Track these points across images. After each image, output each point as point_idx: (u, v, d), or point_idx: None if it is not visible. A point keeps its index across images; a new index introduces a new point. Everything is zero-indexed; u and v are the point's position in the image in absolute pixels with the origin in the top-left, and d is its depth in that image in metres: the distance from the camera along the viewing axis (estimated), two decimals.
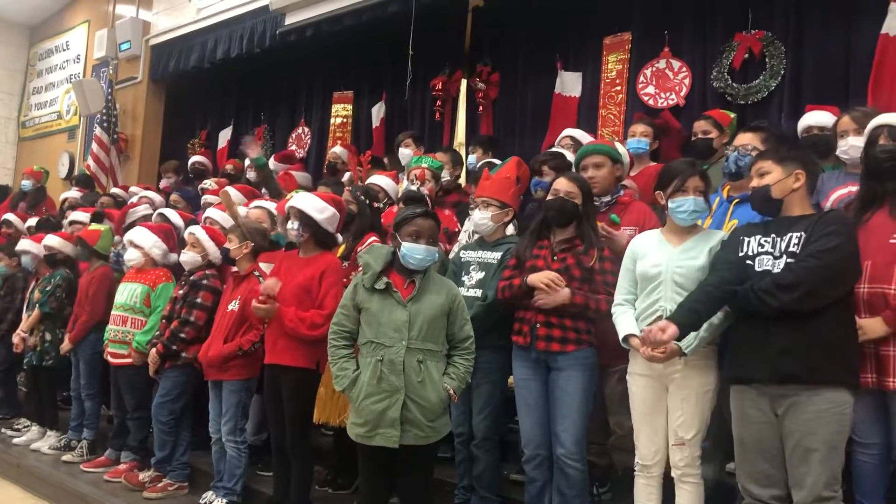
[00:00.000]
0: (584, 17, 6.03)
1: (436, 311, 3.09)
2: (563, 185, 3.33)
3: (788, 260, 2.60)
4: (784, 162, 2.75)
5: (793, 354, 2.56)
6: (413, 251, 3.10)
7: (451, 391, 3.10)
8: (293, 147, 7.96)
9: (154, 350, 4.43)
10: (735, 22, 5.17)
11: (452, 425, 3.33)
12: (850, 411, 2.59)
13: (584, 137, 4.94)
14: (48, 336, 5.49)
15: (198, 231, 4.58)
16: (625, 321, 3.02)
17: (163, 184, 7.74)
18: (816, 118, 3.93)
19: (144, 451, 4.84)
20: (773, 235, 2.69)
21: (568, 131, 5.06)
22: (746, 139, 3.43)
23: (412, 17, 6.07)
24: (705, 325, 2.79)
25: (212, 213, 5.05)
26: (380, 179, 4.78)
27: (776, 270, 2.61)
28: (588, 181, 3.47)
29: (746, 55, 5.00)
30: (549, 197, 3.33)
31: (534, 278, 3.19)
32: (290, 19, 7.20)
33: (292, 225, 3.75)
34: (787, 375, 2.57)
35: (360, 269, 3.56)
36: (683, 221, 2.98)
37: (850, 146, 3.29)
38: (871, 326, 2.70)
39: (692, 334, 2.79)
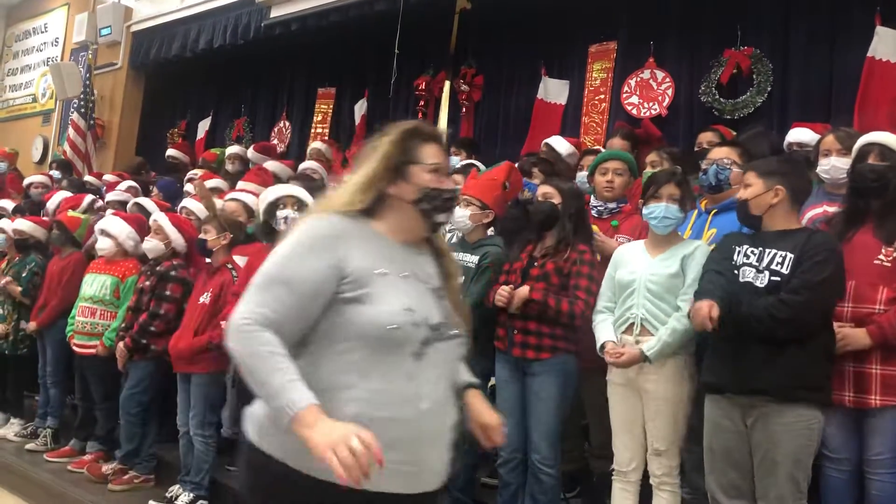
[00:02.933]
0: (571, 24, 6.05)
1: None
2: (546, 188, 3.34)
3: (773, 278, 2.60)
4: (766, 176, 2.75)
5: (766, 369, 2.57)
6: None
7: None
8: (274, 141, 7.89)
9: (122, 343, 4.35)
10: (721, 37, 5.21)
11: None
12: (819, 427, 2.61)
13: (562, 145, 4.95)
14: (23, 324, 5.37)
15: (161, 218, 4.50)
16: (602, 329, 3.03)
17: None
18: (797, 135, 3.97)
19: (111, 443, 4.75)
20: (759, 248, 2.70)
21: (548, 139, 5.07)
22: (723, 153, 3.45)
23: (399, 15, 6.05)
24: (668, 330, 2.82)
25: (188, 203, 4.98)
26: None
27: (758, 284, 2.62)
28: (572, 183, 3.50)
29: (735, 71, 5.03)
30: (540, 199, 3.34)
31: (498, 296, 3.20)
32: (276, 12, 7.15)
33: (287, 213, 3.69)
34: (758, 388, 2.58)
35: None
36: (656, 228, 2.99)
37: (832, 166, 3.29)
38: (855, 336, 2.71)
39: (654, 339, 2.83)
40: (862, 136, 3.03)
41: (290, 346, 1.60)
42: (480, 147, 5.90)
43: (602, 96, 5.77)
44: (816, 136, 3.69)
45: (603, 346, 2.98)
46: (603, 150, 4.54)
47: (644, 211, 3.02)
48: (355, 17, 6.60)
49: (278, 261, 1.68)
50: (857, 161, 2.95)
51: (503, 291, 3.17)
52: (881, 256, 2.78)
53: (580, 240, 3.26)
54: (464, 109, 6.50)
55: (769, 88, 4.91)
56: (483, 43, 6.61)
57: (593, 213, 3.71)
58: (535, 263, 3.26)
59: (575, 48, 6.05)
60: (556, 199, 3.29)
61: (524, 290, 3.14)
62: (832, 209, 3.13)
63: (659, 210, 2.96)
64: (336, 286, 1.64)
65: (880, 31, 4.32)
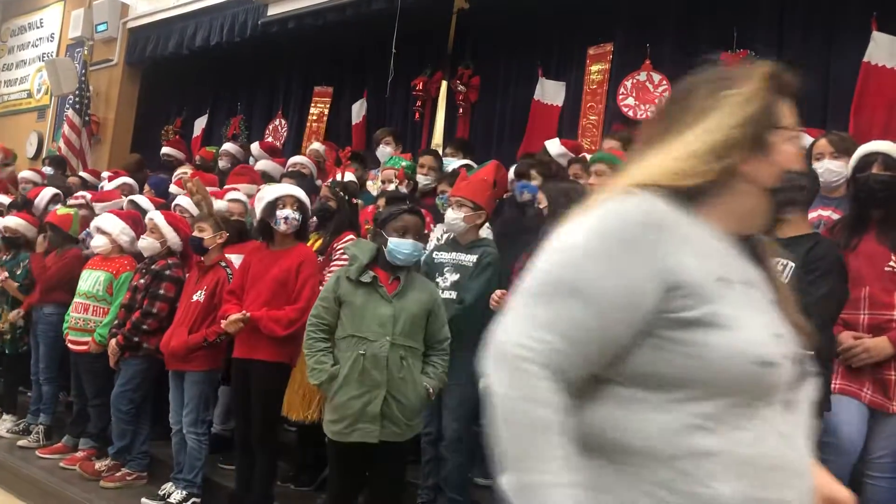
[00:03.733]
0: (568, 26, 6.05)
1: (419, 309, 3.10)
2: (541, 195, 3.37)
3: None
4: None
5: None
6: (401, 246, 3.09)
7: (431, 390, 3.10)
8: (269, 139, 7.88)
9: (114, 341, 4.34)
10: (717, 40, 5.22)
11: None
12: None
13: (553, 146, 4.95)
14: (21, 323, 5.36)
15: (157, 217, 4.49)
16: None
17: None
18: None
19: (104, 440, 4.73)
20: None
21: (547, 141, 5.07)
22: None
23: (397, 15, 6.05)
24: None
25: (181, 200, 4.97)
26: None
27: None
28: (573, 184, 3.52)
29: None
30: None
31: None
32: (273, 10, 7.13)
33: (287, 213, 3.70)
34: None
35: (332, 266, 3.53)
36: None
37: (826, 169, 3.31)
38: (878, 347, 2.73)
39: None
40: (863, 146, 3.04)
41: (573, 392, 1.10)
42: (475, 148, 5.89)
43: (599, 98, 5.77)
44: (811, 140, 3.71)
45: None
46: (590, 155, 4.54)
47: None
48: (352, 16, 6.59)
49: (566, 260, 1.13)
50: (860, 170, 2.96)
51: (496, 296, 3.17)
52: (892, 263, 2.81)
53: None
54: (460, 110, 6.50)
55: None
56: (480, 43, 6.62)
57: None
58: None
59: (572, 50, 6.06)
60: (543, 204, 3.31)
61: None
62: (826, 213, 3.14)
63: None
64: (661, 302, 1.11)
65: (876, 36, 4.34)
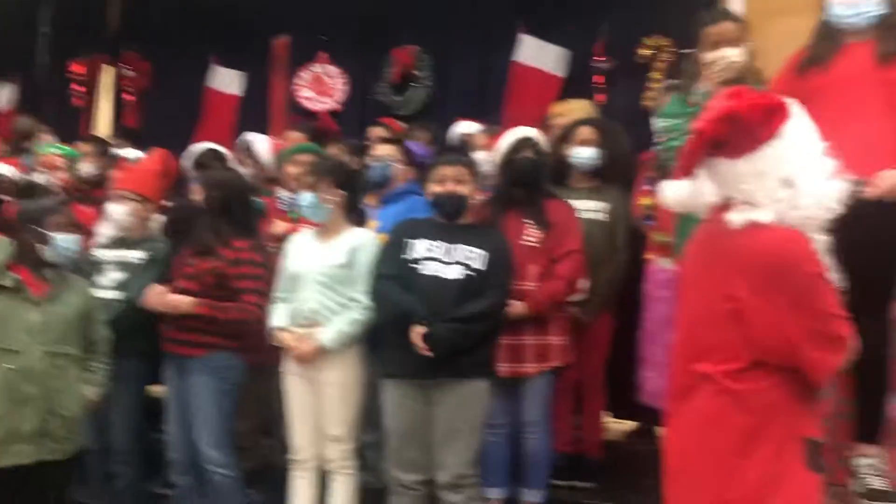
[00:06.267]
0: (243, 16, 5.89)
1: (74, 312, 2.80)
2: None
3: (469, 272, 2.75)
4: (474, 175, 2.93)
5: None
6: (68, 242, 2.78)
7: (93, 398, 2.86)
8: None
9: None
10: (388, 37, 5.44)
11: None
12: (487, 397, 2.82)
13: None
14: None
15: None
16: (275, 315, 3.01)
17: None
18: (464, 128, 4.27)
19: None
20: (440, 241, 2.82)
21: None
22: (387, 151, 3.60)
23: None
24: (347, 321, 2.90)
25: None
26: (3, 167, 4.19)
27: (448, 277, 2.75)
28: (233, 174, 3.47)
29: (403, 69, 5.29)
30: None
31: (149, 300, 3.07)
32: None
33: None
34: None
35: None
36: (311, 216, 3.08)
37: (485, 160, 3.56)
38: (514, 308, 2.95)
39: (331, 329, 2.88)
40: (514, 130, 3.30)
41: None
42: (145, 138, 5.50)
43: (280, 90, 5.73)
44: (481, 128, 4.01)
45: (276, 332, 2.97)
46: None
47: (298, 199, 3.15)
48: None
49: None
50: (513, 152, 3.21)
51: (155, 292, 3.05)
52: (527, 237, 3.08)
53: (238, 235, 3.14)
54: (128, 97, 6.06)
55: (430, 85, 5.24)
56: (151, 28, 6.20)
57: (282, 206, 3.65)
58: (189, 262, 3.12)
59: (250, 39, 5.92)
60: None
61: (186, 302, 3.02)
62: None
63: (301, 199, 3.09)
64: None
65: (523, 38, 4.81)
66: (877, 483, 2.62)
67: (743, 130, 1.74)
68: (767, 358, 1.72)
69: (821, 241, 1.77)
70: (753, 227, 1.73)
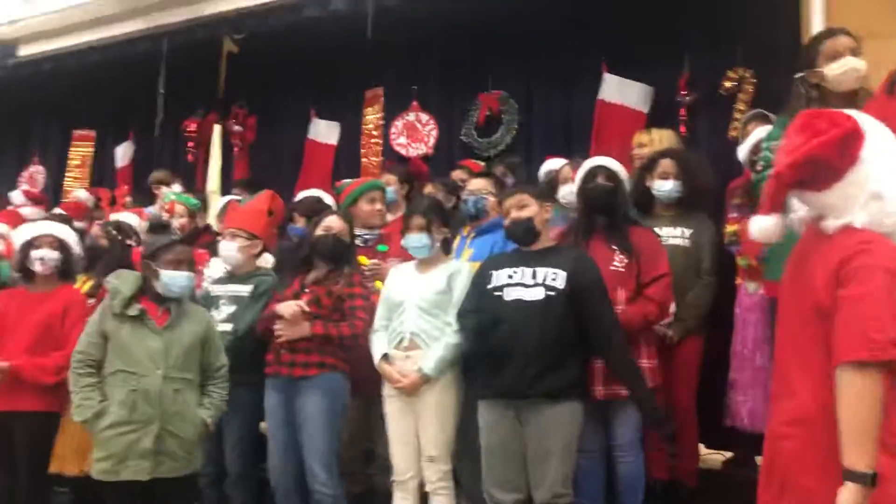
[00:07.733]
0: (341, 69, 6.24)
1: (192, 339, 3.05)
2: (335, 222, 3.43)
3: (550, 293, 2.86)
4: (538, 197, 3.08)
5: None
6: (176, 279, 3.04)
7: (209, 421, 3.06)
8: (24, 184, 7.34)
9: None
10: (475, 82, 5.66)
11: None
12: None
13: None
14: None
15: None
16: (377, 344, 3.20)
17: None
18: (552, 165, 4.41)
19: None
20: (521, 267, 2.96)
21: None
22: (480, 185, 3.78)
23: (163, 56, 5.95)
24: (444, 346, 3.05)
25: None
26: (129, 217, 4.59)
27: (530, 298, 2.87)
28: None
29: (488, 112, 5.50)
30: (320, 233, 3.39)
31: (281, 307, 3.24)
32: (25, 51, 6.69)
33: (43, 253, 3.51)
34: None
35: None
36: (415, 254, 3.26)
37: (570, 192, 3.71)
38: None
39: (430, 357, 3.04)
40: (587, 161, 3.44)
41: None
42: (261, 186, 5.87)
43: (376, 138, 6.02)
44: (566, 162, 4.12)
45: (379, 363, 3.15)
46: None
47: (402, 242, 3.30)
48: (116, 56, 6.35)
49: None
50: (586, 181, 3.35)
51: (292, 305, 3.21)
52: (615, 263, 3.18)
53: (348, 266, 3.40)
54: (236, 150, 6.47)
55: (517, 127, 5.42)
56: (254, 83, 6.63)
57: (359, 241, 3.81)
58: (306, 289, 3.34)
59: (345, 92, 6.26)
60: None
61: (305, 327, 3.19)
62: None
63: (412, 240, 3.23)
64: None
65: (607, 77, 4.94)
66: None
67: (822, 169, 1.80)
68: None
69: None
70: (846, 230, 1.80)
